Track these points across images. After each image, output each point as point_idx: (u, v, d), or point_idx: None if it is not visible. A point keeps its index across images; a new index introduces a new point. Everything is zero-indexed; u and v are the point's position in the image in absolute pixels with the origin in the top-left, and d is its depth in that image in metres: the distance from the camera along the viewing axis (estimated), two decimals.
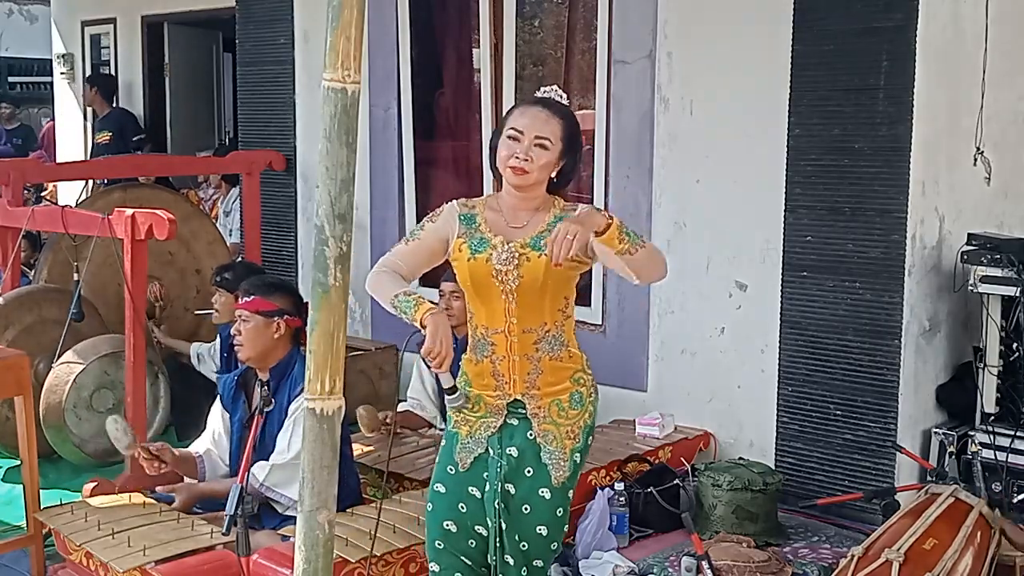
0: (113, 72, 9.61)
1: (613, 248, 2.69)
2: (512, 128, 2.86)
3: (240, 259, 6.19)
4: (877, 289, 4.36)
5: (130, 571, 3.27)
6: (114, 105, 9.18)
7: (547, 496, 2.90)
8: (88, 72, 9.85)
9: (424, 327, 2.69)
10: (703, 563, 3.29)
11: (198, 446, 3.92)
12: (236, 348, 3.77)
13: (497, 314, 2.87)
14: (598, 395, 3.02)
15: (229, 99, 9.52)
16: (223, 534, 3.17)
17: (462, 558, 2.97)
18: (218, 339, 5.28)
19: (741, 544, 3.82)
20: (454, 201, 3.00)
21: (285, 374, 3.72)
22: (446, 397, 2.88)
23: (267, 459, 3.68)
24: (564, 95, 2.98)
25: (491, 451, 2.93)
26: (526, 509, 2.91)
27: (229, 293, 4.70)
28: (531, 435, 2.91)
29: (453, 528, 2.96)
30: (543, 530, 2.92)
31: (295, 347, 3.75)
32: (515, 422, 2.93)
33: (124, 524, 3.52)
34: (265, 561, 3.31)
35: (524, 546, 2.92)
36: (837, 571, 3.37)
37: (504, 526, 2.91)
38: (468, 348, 2.98)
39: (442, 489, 2.99)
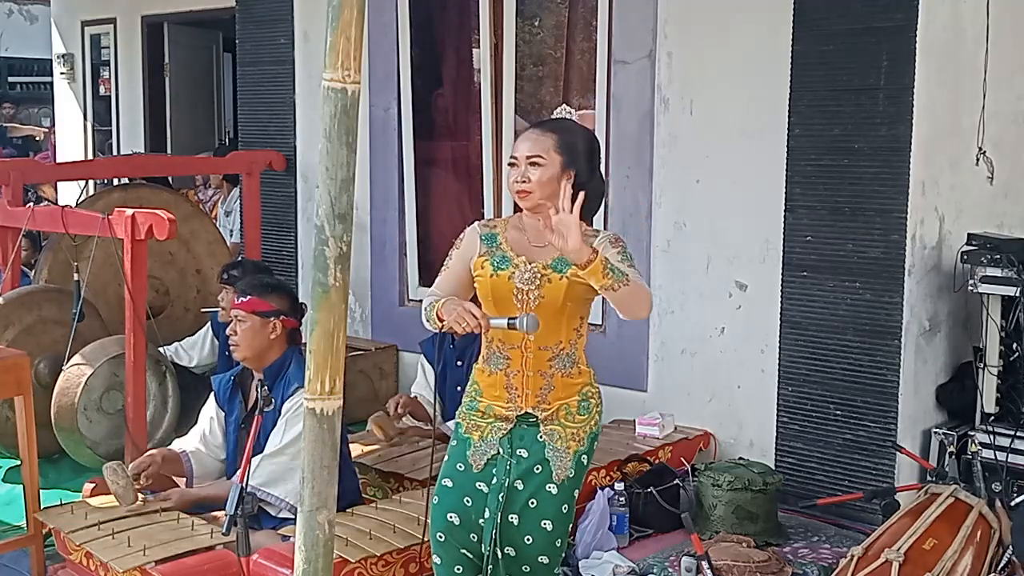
0: (113, 72, 9.60)
1: (596, 282, 2.76)
2: (511, 157, 3.00)
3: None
4: (877, 289, 4.36)
5: (130, 571, 3.27)
6: None
7: (553, 492, 2.96)
8: (89, 72, 9.85)
9: (442, 319, 2.81)
10: (703, 563, 3.29)
11: (186, 444, 3.89)
12: (232, 348, 3.77)
13: (514, 331, 2.90)
14: (603, 406, 3.09)
15: (229, 99, 9.52)
16: (223, 534, 3.17)
17: (464, 551, 3.01)
18: (208, 329, 5.28)
19: (741, 544, 3.81)
20: (476, 223, 3.10)
21: (279, 374, 3.71)
22: (518, 327, 2.80)
23: None
24: (572, 112, 3.02)
25: (502, 451, 2.99)
26: (532, 503, 2.96)
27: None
28: (540, 437, 2.98)
29: (456, 520, 3.00)
30: (548, 525, 2.96)
31: (290, 348, 3.75)
32: (525, 427, 3.00)
33: (124, 524, 3.52)
34: (265, 561, 3.31)
35: (529, 539, 2.95)
36: (837, 571, 3.37)
37: (512, 521, 2.95)
38: (481, 359, 3.05)
39: (449, 484, 3.03)
